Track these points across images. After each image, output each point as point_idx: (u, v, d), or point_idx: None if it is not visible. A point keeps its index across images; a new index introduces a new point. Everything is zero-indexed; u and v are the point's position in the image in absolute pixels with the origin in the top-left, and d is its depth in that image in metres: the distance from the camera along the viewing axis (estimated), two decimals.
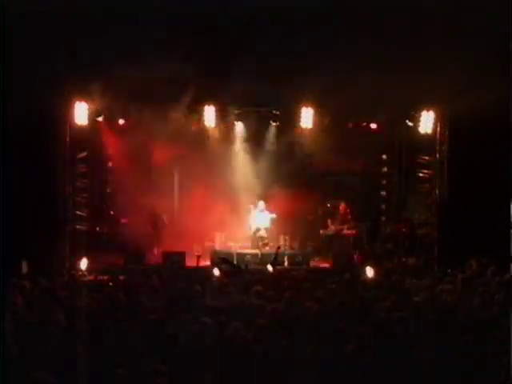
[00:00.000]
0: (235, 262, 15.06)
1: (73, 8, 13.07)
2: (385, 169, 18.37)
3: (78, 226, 16.15)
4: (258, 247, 16.08)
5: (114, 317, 7.77)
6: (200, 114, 15.89)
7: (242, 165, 17.22)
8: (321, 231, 17.15)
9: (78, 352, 6.24)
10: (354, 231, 16.69)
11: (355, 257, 15.71)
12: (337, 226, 16.79)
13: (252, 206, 16.67)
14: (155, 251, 16.02)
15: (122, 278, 11.20)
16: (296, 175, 17.65)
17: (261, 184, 17.13)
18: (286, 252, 15.89)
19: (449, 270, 12.48)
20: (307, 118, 15.87)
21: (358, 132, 17.14)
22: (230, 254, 15.54)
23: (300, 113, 15.87)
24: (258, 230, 16.26)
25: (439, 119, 15.99)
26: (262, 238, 16.23)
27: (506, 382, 5.88)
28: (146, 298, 9.07)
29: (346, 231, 16.71)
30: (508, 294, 8.94)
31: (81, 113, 15.38)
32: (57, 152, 15.13)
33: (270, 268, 12.89)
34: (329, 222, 17.10)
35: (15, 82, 12.97)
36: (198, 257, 15.23)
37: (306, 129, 16.24)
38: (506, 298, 8.75)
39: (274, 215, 16.41)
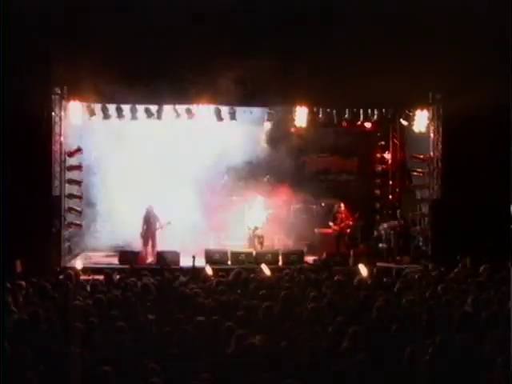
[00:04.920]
0: (229, 262, 15.08)
1: (70, 5, 13.06)
2: (379, 167, 18.40)
3: (72, 225, 16.11)
4: (254, 246, 16.07)
5: (108, 316, 7.77)
6: (195, 113, 15.83)
7: (236, 163, 17.18)
8: (315, 230, 17.15)
9: (71, 351, 6.23)
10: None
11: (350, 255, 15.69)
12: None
13: (247, 205, 16.64)
14: (148, 250, 15.82)
15: (116, 277, 11.18)
16: (290, 174, 17.67)
17: (255, 182, 17.11)
18: (281, 251, 15.92)
19: (442, 268, 12.51)
20: (301, 116, 15.86)
21: (353, 131, 17.17)
22: (225, 253, 15.53)
23: (294, 112, 15.86)
24: (256, 228, 16.23)
25: (433, 118, 16.02)
26: (258, 236, 16.21)
27: (504, 381, 5.88)
28: (140, 297, 9.07)
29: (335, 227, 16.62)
30: (502, 292, 8.98)
31: (75, 112, 15.35)
32: (51, 151, 15.09)
33: (264, 267, 12.88)
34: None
35: (9, 81, 12.94)
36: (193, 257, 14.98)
37: (300, 127, 16.24)
38: (501, 296, 8.79)
39: (270, 211, 16.36)
